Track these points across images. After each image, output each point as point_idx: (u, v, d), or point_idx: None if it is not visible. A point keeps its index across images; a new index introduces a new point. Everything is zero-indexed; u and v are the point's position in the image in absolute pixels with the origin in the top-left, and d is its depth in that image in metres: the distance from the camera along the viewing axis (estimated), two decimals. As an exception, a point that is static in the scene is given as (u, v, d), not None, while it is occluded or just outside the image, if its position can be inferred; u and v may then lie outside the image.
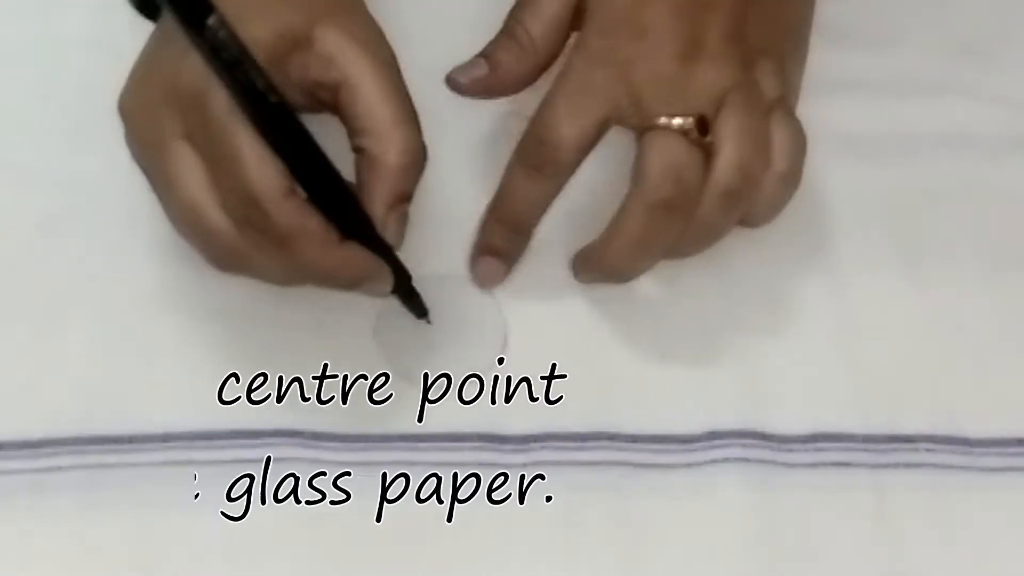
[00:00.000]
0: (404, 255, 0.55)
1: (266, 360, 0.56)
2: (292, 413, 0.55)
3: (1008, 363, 0.58)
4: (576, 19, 0.58)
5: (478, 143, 0.59)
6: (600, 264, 0.56)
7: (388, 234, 0.53)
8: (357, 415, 0.55)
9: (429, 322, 0.57)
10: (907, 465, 0.55)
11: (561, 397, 0.56)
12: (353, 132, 0.54)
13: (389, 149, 0.53)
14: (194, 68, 0.50)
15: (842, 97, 0.63)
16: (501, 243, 0.58)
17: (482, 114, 0.60)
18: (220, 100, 0.50)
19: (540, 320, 0.58)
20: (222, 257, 0.53)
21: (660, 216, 0.54)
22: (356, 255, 0.53)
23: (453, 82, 0.59)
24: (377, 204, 0.53)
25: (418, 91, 0.55)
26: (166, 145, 0.52)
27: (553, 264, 0.59)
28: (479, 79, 0.59)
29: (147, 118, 0.53)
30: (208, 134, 0.51)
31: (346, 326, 0.57)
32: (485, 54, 0.59)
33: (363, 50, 0.53)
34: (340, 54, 0.53)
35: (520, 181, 0.57)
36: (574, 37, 0.58)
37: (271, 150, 0.50)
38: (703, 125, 0.54)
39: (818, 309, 0.59)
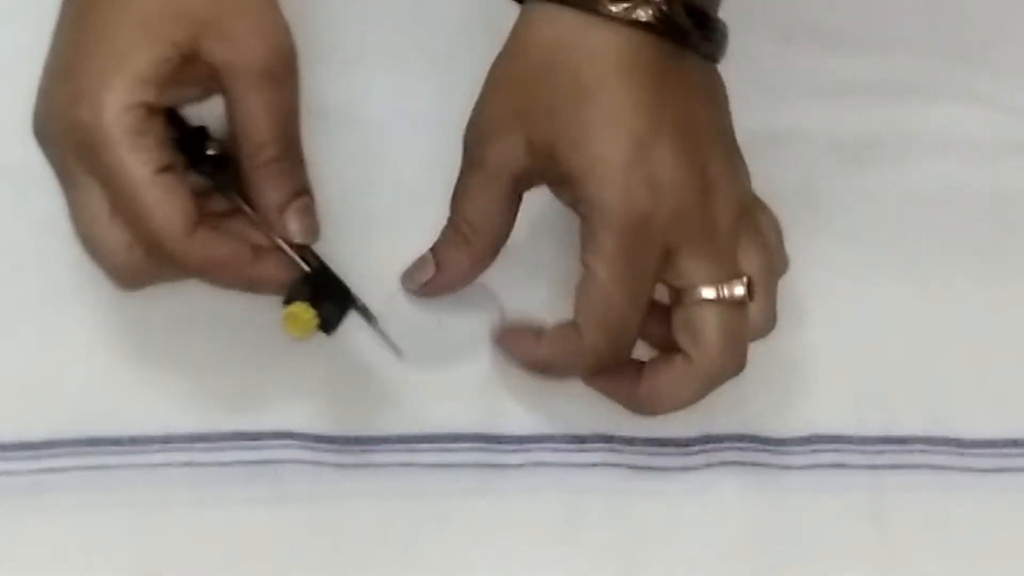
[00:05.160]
0: (407, 256, 0.57)
1: (265, 362, 0.56)
2: (292, 415, 0.55)
3: (1002, 364, 0.58)
4: (524, 180, 0.54)
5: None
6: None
7: (293, 235, 0.53)
8: (356, 417, 0.56)
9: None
10: (902, 466, 0.56)
11: (559, 399, 0.56)
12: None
13: (259, 162, 0.53)
14: (88, 114, 0.50)
15: (836, 100, 0.63)
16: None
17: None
18: (113, 150, 0.50)
19: (537, 322, 0.58)
20: (126, 285, 0.54)
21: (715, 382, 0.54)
22: (271, 266, 0.53)
23: (406, 286, 0.57)
24: (267, 213, 0.53)
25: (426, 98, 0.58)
26: (75, 179, 0.52)
27: (550, 267, 0.59)
28: (427, 282, 0.57)
29: (60, 153, 0.52)
30: (107, 178, 0.51)
31: (346, 327, 0.57)
32: (433, 250, 0.56)
33: (242, 61, 0.52)
34: (226, 65, 0.52)
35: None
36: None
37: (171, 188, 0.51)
38: (751, 286, 0.53)
39: (813, 311, 0.59)
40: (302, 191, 0.54)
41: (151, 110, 0.51)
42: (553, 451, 0.55)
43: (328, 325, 0.54)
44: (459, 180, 0.55)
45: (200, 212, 0.51)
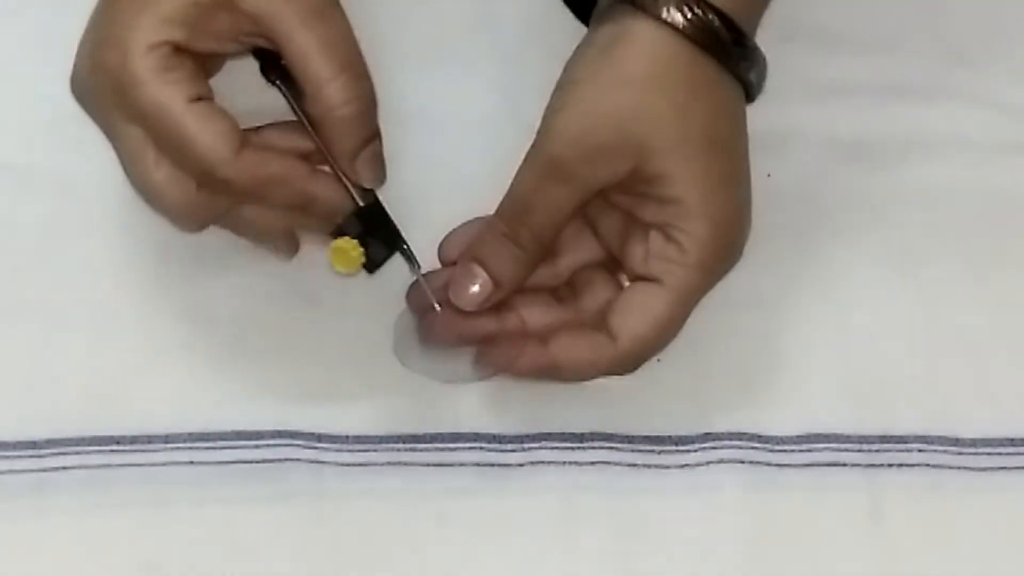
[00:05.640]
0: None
1: (266, 361, 0.57)
2: (293, 414, 0.56)
3: (999, 363, 0.58)
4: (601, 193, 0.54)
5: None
6: None
7: (363, 180, 0.54)
8: (357, 416, 0.56)
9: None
10: (900, 465, 0.56)
11: (558, 398, 0.56)
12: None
13: (329, 106, 0.53)
14: (114, 56, 0.51)
15: (836, 100, 0.63)
16: None
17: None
18: (142, 87, 0.51)
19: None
20: (187, 226, 0.55)
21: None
22: (326, 185, 0.54)
23: (460, 304, 0.54)
24: (339, 158, 0.54)
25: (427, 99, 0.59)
26: (116, 130, 0.53)
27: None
28: (486, 300, 0.54)
29: (95, 104, 0.53)
30: (143, 117, 0.51)
31: (346, 328, 0.57)
32: (482, 261, 0.54)
33: (287, 2, 0.52)
34: (265, 9, 0.52)
35: None
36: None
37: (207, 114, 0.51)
38: None
39: (811, 310, 0.59)
40: (373, 135, 0.54)
41: (177, 50, 0.52)
42: (552, 450, 0.56)
43: (373, 264, 0.55)
44: (531, 189, 0.54)
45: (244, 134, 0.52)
